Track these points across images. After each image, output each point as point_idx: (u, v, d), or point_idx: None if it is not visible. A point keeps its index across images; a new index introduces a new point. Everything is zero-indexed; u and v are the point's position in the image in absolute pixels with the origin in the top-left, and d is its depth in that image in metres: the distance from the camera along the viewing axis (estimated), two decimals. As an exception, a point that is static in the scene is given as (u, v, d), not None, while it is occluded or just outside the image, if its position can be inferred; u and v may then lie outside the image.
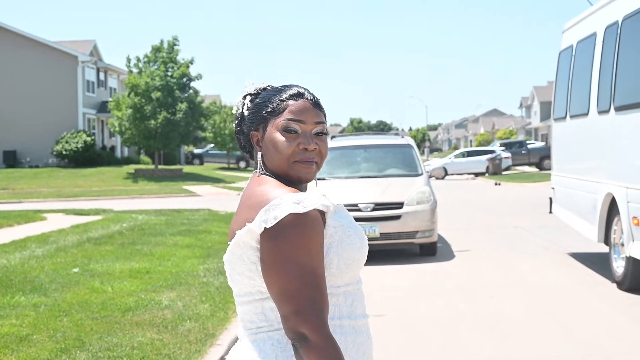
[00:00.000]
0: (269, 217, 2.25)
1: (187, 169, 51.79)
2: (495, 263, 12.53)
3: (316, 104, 2.49)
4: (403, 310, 9.44)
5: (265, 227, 2.25)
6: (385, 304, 9.68)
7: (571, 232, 14.70)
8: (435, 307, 9.50)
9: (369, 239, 13.15)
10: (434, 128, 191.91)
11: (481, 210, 22.10)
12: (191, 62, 44.52)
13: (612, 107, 10.26)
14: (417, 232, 13.39)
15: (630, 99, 9.66)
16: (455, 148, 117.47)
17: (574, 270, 11.77)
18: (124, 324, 7.73)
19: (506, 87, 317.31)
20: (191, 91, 45.01)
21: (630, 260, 9.73)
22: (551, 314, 8.93)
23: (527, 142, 60.43)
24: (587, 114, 11.41)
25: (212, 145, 63.49)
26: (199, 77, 44.76)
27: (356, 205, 13.31)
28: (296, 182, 2.44)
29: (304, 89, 2.52)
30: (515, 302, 9.62)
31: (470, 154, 50.24)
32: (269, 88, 2.58)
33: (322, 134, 2.48)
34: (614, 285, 10.39)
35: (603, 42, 10.85)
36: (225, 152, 61.80)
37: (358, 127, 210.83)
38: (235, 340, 2.83)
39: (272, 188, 2.35)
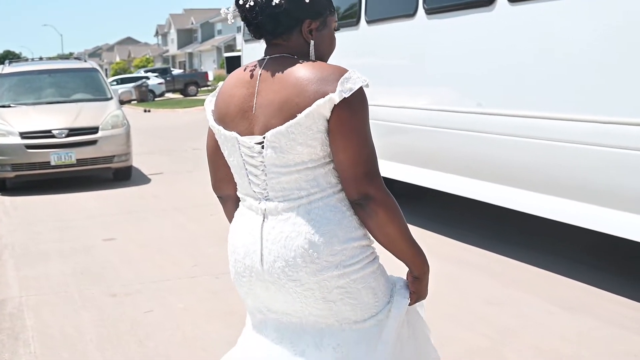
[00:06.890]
0: (344, 88, 2.42)
1: None
2: (196, 183, 12.63)
3: None
4: (132, 232, 9.37)
5: (344, 97, 2.43)
6: (109, 228, 9.57)
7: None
8: (165, 228, 9.56)
9: (65, 166, 12.82)
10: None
11: (149, 135, 22.02)
12: None
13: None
14: (114, 156, 13.31)
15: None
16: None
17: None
18: None
19: (141, 15, 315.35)
20: None
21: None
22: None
23: (171, 69, 61.16)
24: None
25: None
26: None
27: (49, 131, 12.89)
28: None
29: None
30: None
31: (123, 81, 50.60)
32: None
33: None
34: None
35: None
36: None
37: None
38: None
39: (329, 65, 2.52)
